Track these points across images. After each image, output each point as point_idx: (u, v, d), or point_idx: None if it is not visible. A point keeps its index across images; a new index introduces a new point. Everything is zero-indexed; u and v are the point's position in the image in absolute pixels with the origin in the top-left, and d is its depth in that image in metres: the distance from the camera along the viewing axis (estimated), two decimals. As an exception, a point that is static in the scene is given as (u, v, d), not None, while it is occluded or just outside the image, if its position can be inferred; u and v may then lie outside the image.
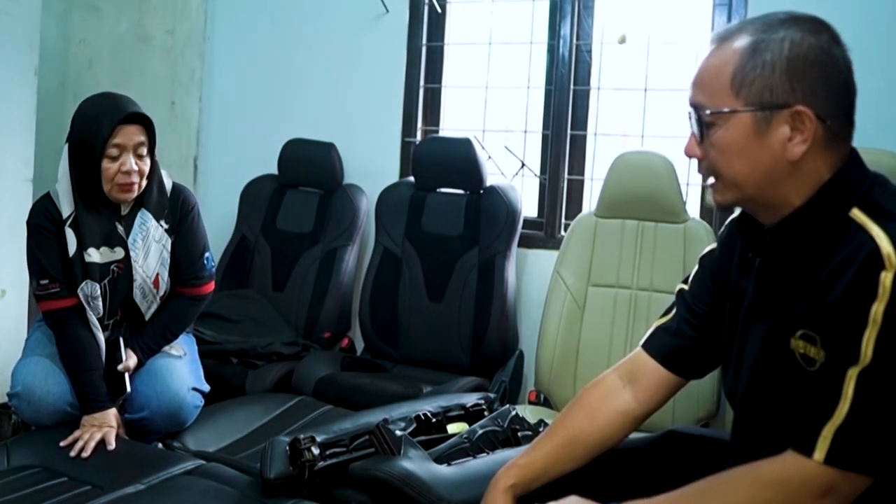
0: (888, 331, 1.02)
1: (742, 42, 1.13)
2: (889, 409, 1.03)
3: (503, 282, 2.76)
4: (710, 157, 1.17)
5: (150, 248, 2.09)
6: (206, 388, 2.19)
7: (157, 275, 2.11)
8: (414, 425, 1.71)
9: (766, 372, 1.19)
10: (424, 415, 1.75)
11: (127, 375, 2.05)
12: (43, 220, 2.03)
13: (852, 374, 1.04)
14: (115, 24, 3.51)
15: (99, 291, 2.03)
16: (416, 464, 1.52)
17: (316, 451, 1.58)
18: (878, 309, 1.02)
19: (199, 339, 2.52)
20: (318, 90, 3.31)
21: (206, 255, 2.22)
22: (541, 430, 1.69)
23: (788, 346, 1.14)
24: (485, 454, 1.65)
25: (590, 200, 2.98)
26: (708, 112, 1.15)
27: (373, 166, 3.20)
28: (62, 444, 1.90)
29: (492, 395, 1.97)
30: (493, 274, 2.78)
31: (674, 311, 1.42)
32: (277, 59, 3.38)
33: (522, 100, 3.08)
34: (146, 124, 2.02)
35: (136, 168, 1.99)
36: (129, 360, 2.08)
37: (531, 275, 2.95)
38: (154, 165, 2.08)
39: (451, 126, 3.25)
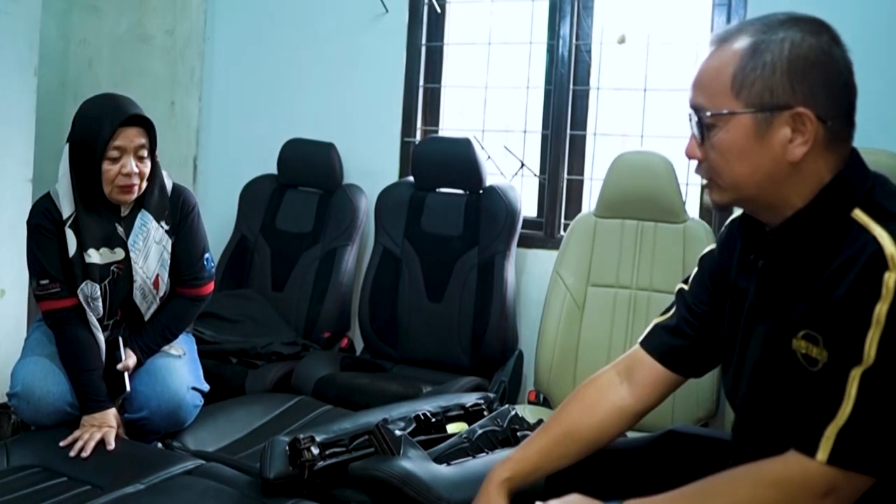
0: (891, 331, 1.02)
1: (742, 43, 1.13)
2: (892, 409, 1.03)
3: (503, 282, 2.76)
4: (711, 158, 1.17)
5: (150, 250, 2.09)
6: (206, 387, 2.19)
7: (157, 276, 2.11)
8: (413, 425, 1.72)
9: (768, 372, 1.19)
10: (424, 415, 1.75)
11: (126, 375, 2.06)
12: (43, 220, 2.03)
13: (855, 375, 1.04)
14: (115, 24, 3.51)
15: (99, 292, 2.03)
16: (415, 464, 1.52)
17: (315, 450, 1.58)
18: (881, 309, 1.02)
19: (199, 338, 2.52)
20: (318, 90, 3.31)
21: (206, 255, 2.22)
22: (540, 429, 1.69)
23: (790, 347, 1.14)
24: (484, 454, 1.65)
25: (589, 200, 2.98)
26: (708, 114, 1.15)
27: (372, 166, 3.20)
28: (62, 443, 1.90)
29: (491, 395, 1.97)
30: (493, 274, 2.78)
31: (673, 309, 1.42)
32: (277, 59, 3.38)
33: (522, 100, 3.08)
34: (147, 126, 2.02)
35: (136, 170, 1.99)
36: (129, 359, 2.08)
37: (531, 275, 2.95)
38: (155, 167, 2.08)
39: (450, 126, 3.25)
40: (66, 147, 2.03)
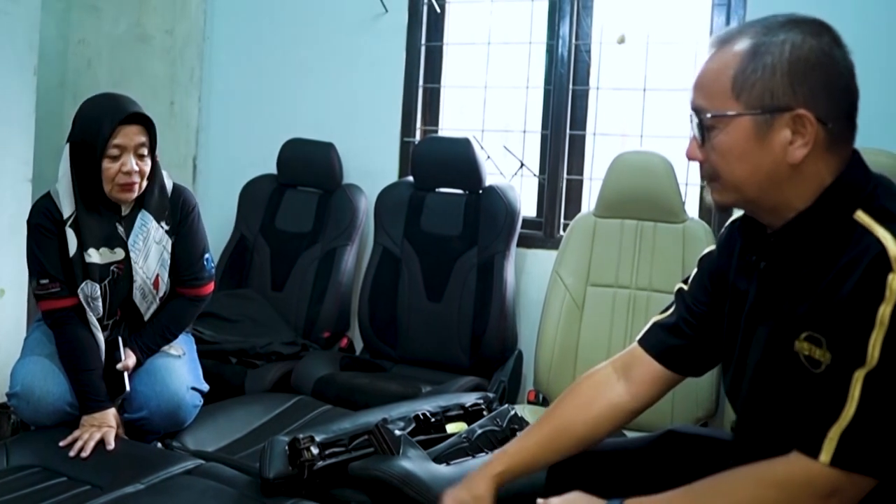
0: (895, 333, 1.02)
1: (742, 45, 1.13)
2: (895, 411, 1.03)
3: (502, 282, 2.76)
4: (712, 160, 1.17)
5: (150, 250, 2.09)
6: (205, 387, 2.19)
7: (157, 276, 2.11)
8: (413, 425, 1.72)
9: (770, 374, 1.19)
10: (423, 414, 1.75)
11: (126, 375, 2.05)
12: (43, 219, 2.03)
13: (859, 377, 1.04)
14: (115, 23, 3.50)
15: (99, 292, 2.03)
16: (415, 463, 1.52)
17: (315, 450, 1.59)
18: (885, 311, 1.02)
19: (199, 338, 2.52)
20: (318, 90, 3.31)
21: (206, 255, 2.22)
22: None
23: (792, 349, 1.14)
24: (484, 454, 1.65)
25: (589, 200, 2.98)
26: (709, 115, 1.15)
27: (372, 166, 3.20)
28: (61, 443, 1.90)
29: (491, 395, 1.98)
30: (492, 274, 2.78)
31: (672, 308, 1.42)
32: (277, 59, 3.38)
33: (521, 100, 3.08)
34: (147, 124, 2.02)
35: (136, 168, 1.99)
36: (128, 359, 2.08)
37: (530, 275, 2.95)
38: (155, 166, 2.08)
39: (450, 126, 3.25)
40: (67, 147, 2.03)
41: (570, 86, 2.96)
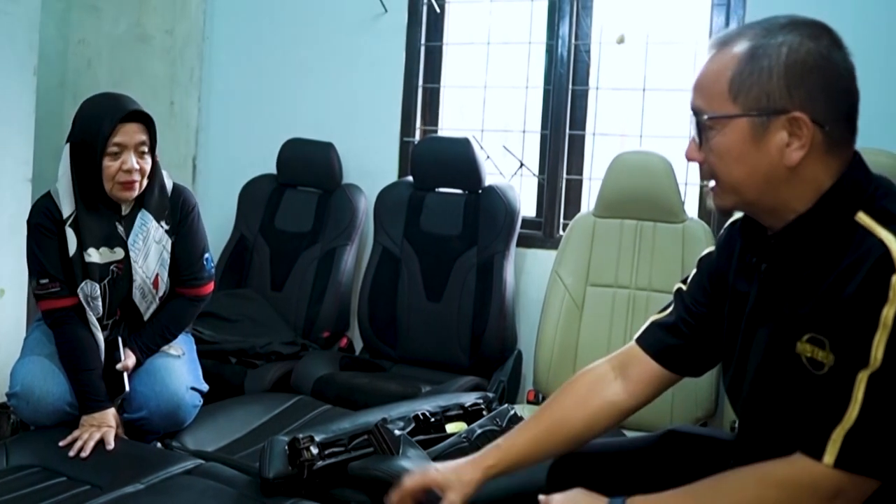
0: None
1: (741, 47, 1.13)
2: None
3: (502, 281, 2.76)
4: (710, 161, 1.17)
5: (150, 249, 2.09)
6: (205, 387, 2.19)
7: (157, 275, 2.11)
8: (413, 425, 1.72)
9: (771, 376, 1.19)
10: (423, 414, 1.75)
11: (126, 375, 2.05)
12: (43, 219, 2.03)
13: (862, 378, 1.04)
14: (114, 23, 3.50)
15: (98, 291, 2.03)
16: (414, 463, 1.52)
17: (315, 450, 1.59)
18: (888, 312, 1.02)
19: (198, 338, 2.52)
20: (317, 90, 3.31)
21: (206, 255, 2.22)
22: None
23: (794, 350, 1.14)
24: (483, 454, 1.65)
25: (588, 200, 2.98)
26: (706, 117, 1.15)
27: (371, 166, 3.20)
28: (61, 443, 1.90)
29: (490, 395, 1.98)
30: (492, 274, 2.78)
31: (671, 308, 1.42)
32: (276, 59, 3.38)
33: (521, 100, 3.08)
34: (147, 123, 2.03)
35: (137, 166, 1.99)
36: (128, 359, 2.08)
37: (530, 274, 2.95)
38: (155, 166, 2.08)
39: (449, 126, 3.25)
40: (67, 146, 2.03)
41: (570, 86, 2.96)
